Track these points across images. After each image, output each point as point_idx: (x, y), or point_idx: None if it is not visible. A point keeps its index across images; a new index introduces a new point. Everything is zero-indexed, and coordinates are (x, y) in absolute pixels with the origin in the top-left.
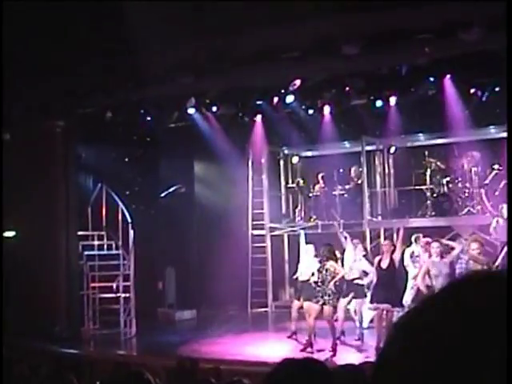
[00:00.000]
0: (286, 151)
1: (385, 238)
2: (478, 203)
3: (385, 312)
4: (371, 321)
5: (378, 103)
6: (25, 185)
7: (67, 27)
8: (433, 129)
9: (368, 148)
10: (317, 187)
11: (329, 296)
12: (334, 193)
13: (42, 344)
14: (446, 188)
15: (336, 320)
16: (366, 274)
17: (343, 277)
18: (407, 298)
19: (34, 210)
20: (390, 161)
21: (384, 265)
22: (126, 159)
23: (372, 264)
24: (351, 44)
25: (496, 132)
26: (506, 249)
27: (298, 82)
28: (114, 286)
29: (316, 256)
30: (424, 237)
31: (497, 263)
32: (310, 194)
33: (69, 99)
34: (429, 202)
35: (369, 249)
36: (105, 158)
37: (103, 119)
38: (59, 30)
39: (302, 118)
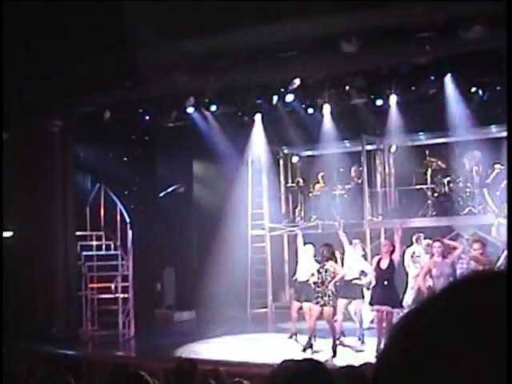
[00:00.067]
0: (285, 150)
1: (385, 239)
2: (479, 203)
3: (385, 313)
4: (371, 321)
5: (379, 102)
6: (22, 185)
7: (65, 26)
8: (434, 128)
9: (368, 147)
10: (317, 187)
11: (329, 297)
12: (334, 192)
13: (40, 345)
14: (447, 188)
15: (336, 321)
16: (364, 274)
17: (343, 277)
18: (407, 299)
19: (32, 210)
20: (391, 160)
21: (383, 265)
22: (125, 159)
23: (370, 264)
24: (351, 42)
25: (497, 131)
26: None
27: (297, 81)
28: (113, 286)
29: (315, 256)
30: (425, 238)
31: (499, 263)
32: (310, 194)
33: (67, 98)
34: (430, 201)
35: (369, 249)
36: (103, 158)
37: (101, 118)
38: (57, 29)
39: (302, 117)
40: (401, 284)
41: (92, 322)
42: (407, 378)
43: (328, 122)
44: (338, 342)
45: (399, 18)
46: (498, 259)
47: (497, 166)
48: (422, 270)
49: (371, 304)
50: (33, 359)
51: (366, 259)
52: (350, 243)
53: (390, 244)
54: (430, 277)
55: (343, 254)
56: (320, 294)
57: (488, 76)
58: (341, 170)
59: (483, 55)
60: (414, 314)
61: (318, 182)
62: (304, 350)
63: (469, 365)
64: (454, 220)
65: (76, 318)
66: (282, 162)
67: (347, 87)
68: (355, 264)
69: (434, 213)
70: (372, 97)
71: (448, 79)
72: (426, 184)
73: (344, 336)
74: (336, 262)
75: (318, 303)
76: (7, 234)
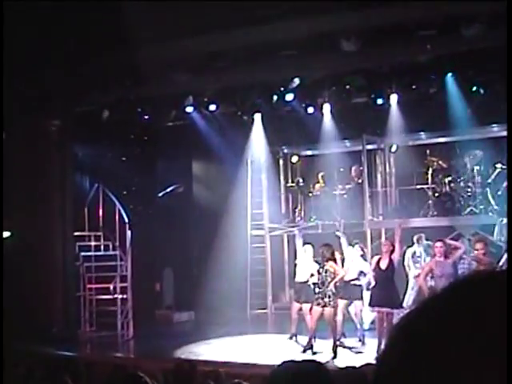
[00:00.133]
0: (285, 150)
1: (386, 239)
2: (480, 203)
3: (385, 313)
4: (372, 322)
5: (379, 101)
6: (20, 185)
7: (64, 26)
8: (434, 127)
9: (369, 147)
10: (317, 187)
11: (329, 298)
12: (334, 192)
13: (39, 346)
14: (448, 187)
15: (336, 322)
16: (363, 274)
17: (343, 278)
18: (408, 299)
19: (30, 211)
20: (391, 160)
21: (383, 265)
22: (124, 158)
23: (370, 264)
24: (351, 41)
25: (498, 130)
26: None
27: (297, 81)
28: (111, 287)
29: (315, 257)
30: (427, 240)
31: (500, 263)
32: (310, 194)
33: (65, 98)
34: (431, 201)
35: (369, 249)
36: (102, 158)
37: (100, 118)
38: (56, 28)
39: (302, 117)
40: (401, 284)
41: (90, 323)
42: (408, 378)
43: (328, 122)
44: (338, 342)
45: (399, 16)
46: (500, 259)
47: (498, 165)
48: (424, 269)
49: (371, 305)
50: (31, 360)
51: (365, 259)
52: (350, 243)
53: (390, 244)
54: (432, 277)
55: (343, 254)
56: (320, 295)
57: (489, 75)
58: (341, 169)
59: (484, 54)
60: (415, 314)
61: (318, 182)
62: (304, 350)
63: (469, 365)
64: (455, 220)
65: (74, 319)
66: (281, 162)
67: (347, 86)
68: (354, 265)
69: (435, 213)
70: (372, 96)
71: (449, 78)
72: (426, 184)
73: (344, 337)
74: (336, 262)
75: (318, 304)
76: (5, 234)
